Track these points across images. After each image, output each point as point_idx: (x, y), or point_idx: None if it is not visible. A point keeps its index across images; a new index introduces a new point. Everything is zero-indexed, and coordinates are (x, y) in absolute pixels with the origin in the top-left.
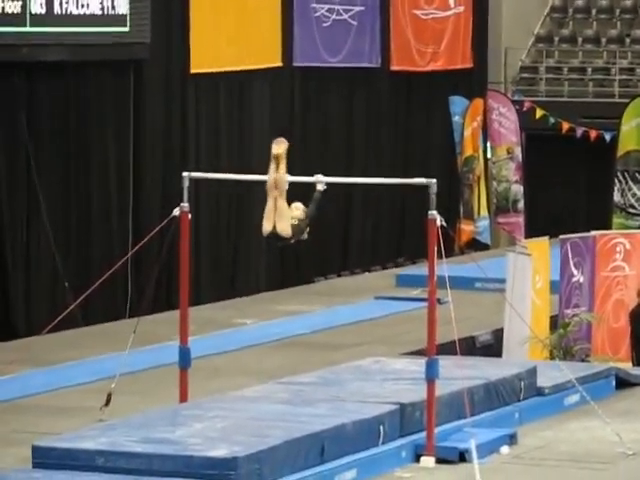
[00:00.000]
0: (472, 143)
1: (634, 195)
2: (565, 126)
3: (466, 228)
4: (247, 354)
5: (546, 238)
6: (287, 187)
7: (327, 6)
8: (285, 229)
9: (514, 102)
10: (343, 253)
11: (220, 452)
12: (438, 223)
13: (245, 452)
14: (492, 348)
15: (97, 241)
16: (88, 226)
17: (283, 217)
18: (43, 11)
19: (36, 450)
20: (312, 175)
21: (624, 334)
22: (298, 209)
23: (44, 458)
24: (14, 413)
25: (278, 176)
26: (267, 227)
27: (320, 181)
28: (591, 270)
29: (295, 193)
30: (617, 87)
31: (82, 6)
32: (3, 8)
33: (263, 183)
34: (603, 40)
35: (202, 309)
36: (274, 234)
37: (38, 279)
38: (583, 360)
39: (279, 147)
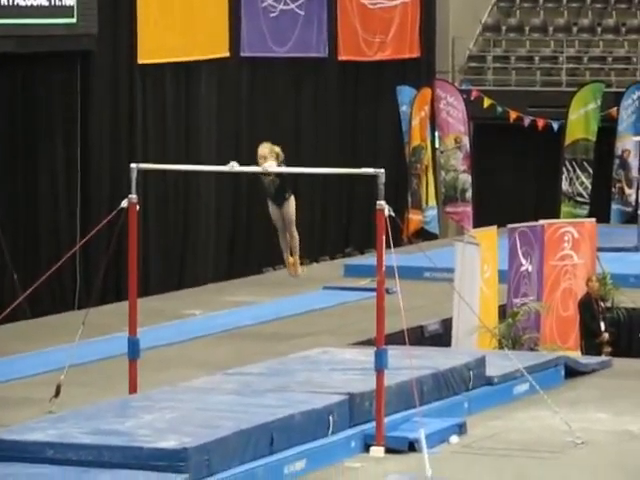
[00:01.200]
0: (420, 133)
1: (582, 184)
2: (513, 115)
3: (414, 218)
4: (196, 345)
5: (494, 227)
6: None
7: None
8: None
9: (462, 91)
10: None
11: (169, 443)
12: (386, 213)
13: (194, 443)
14: (441, 338)
15: (45, 233)
16: (36, 218)
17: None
18: None
19: None
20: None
21: (573, 323)
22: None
23: None
24: None
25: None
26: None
27: (268, 171)
28: (540, 259)
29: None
30: (564, 76)
31: None
32: None
33: (210, 174)
34: (550, 29)
35: (151, 300)
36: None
37: None
38: (532, 349)
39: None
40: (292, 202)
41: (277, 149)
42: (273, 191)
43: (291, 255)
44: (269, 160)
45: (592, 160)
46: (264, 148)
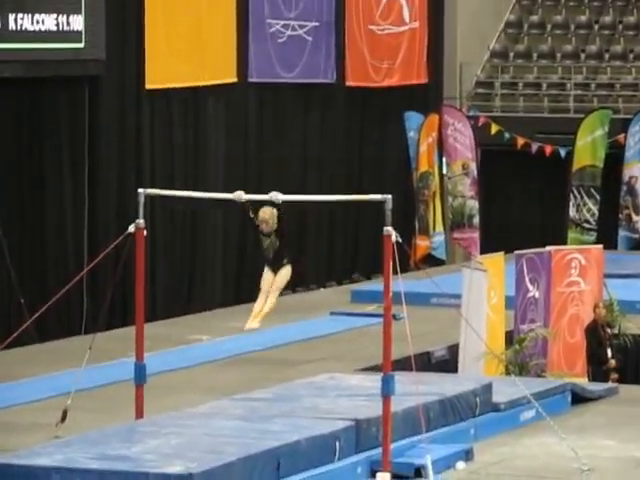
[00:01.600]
0: (427, 159)
1: (589, 210)
2: (520, 141)
3: (421, 244)
4: (202, 370)
5: (501, 254)
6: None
7: (282, 22)
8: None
9: (469, 117)
10: (298, 269)
11: (175, 468)
12: (393, 239)
13: (200, 468)
14: (448, 364)
15: (52, 257)
16: (43, 242)
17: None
18: None
19: None
20: (268, 192)
21: (580, 349)
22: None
23: (0, 475)
24: None
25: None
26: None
27: (277, 199)
28: (547, 285)
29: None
30: (572, 102)
31: (37, 22)
32: None
33: (217, 200)
34: (558, 55)
35: (158, 325)
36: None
37: None
38: (539, 375)
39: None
40: (288, 270)
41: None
42: (271, 254)
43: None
44: (269, 224)
45: (599, 187)
46: (265, 212)
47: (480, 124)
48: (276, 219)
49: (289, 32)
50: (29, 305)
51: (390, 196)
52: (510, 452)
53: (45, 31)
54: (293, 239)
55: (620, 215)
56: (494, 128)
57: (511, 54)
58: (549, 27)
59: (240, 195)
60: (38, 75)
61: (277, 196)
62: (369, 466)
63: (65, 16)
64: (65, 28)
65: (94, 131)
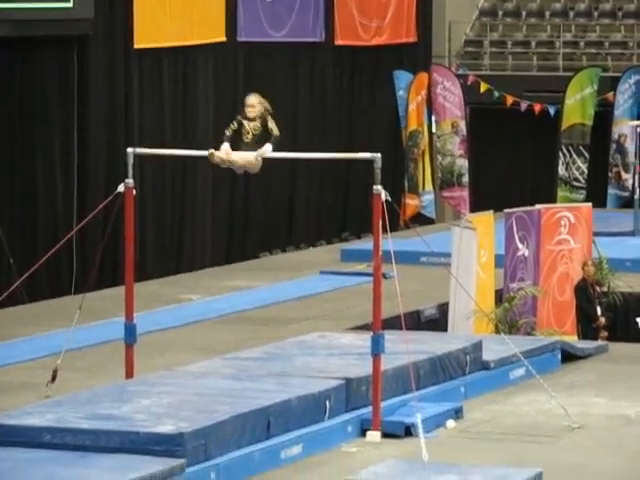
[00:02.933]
0: (417, 117)
1: (578, 168)
2: (509, 100)
3: (411, 202)
4: (193, 330)
5: (491, 212)
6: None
7: None
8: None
9: (458, 76)
10: (288, 228)
11: (166, 428)
12: (383, 198)
13: (191, 428)
14: (438, 322)
15: (42, 217)
16: (32, 202)
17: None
18: None
19: None
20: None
21: (569, 307)
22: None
23: None
24: None
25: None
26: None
27: (265, 156)
28: (536, 244)
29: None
30: (561, 60)
31: None
32: None
33: (206, 158)
34: (547, 13)
35: (148, 285)
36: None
37: None
38: (529, 334)
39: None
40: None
41: (266, 103)
42: (250, 139)
43: None
44: (257, 108)
45: (589, 145)
46: (253, 98)
47: (469, 83)
48: (265, 106)
49: None
50: (18, 265)
51: (379, 154)
52: (500, 410)
53: None
54: (283, 197)
55: (609, 173)
56: (483, 87)
57: (500, 12)
58: None
59: (227, 151)
60: (27, 34)
61: (266, 153)
62: (359, 425)
63: None
64: None
65: (83, 90)
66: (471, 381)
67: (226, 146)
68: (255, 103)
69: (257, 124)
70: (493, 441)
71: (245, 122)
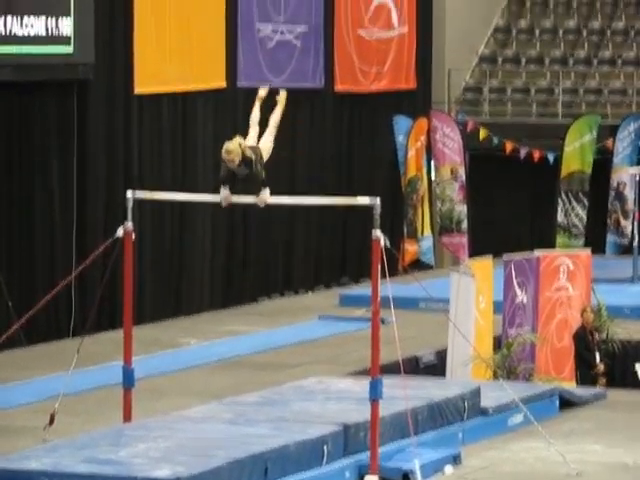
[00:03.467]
0: (416, 163)
1: (577, 215)
2: (509, 146)
3: (410, 248)
4: (191, 374)
5: (489, 258)
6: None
7: (271, 26)
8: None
9: (458, 122)
10: (286, 272)
11: (163, 472)
12: (382, 243)
13: (188, 473)
14: (436, 368)
15: (41, 260)
16: (32, 245)
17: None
18: None
19: None
20: (256, 194)
21: (568, 354)
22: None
23: None
24: None
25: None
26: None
27: (264, 201)
28: (535, 290)
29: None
30: (560, 107)
31: (26, 26)
32: None
33: (206, 204)
34: (546, 60)
35: (146, 328)
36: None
37: None
38: (527, 380)
39: (266, 90)
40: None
41: (245, 145)
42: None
43: None
44: (233, 155)
45: (587, 192)
46: (229, 145)
47: (469, 129)
48: (245, 150)
49: (278, 37)
50: (17, 308)
51: (379, 200)
52: (498, 457)
53: (34, 35)
54: (281, 241)
55: (608, 220)
56: (483, 133)
57: (500, 59)
58: (537, 32)
59: (227, 197)
60: (27, 79)
61: (264, 198)
62: (357, 470)
63: (54, 20)
64: (54, 32)
65: (83, 135)
66: (469, 427)
67: (226, 192)
68: (231, 150)
69: (243, 169)
70: None
71: (231, 168)
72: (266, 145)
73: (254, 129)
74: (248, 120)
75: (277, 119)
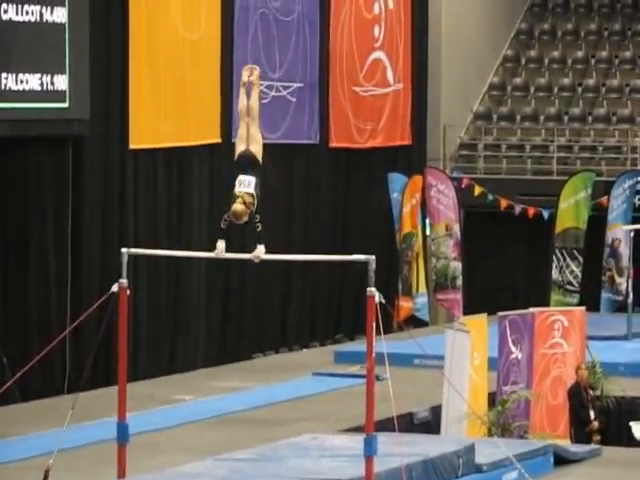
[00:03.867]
0: (411, 220)
1: (572, 272)
2: (503, 203)
3: (405, 304)
4: (186, 430)
5: (484, 315)
6: (258, 113)
7: (266, 83)
8: (258, 152)
9: (452, 179)
10: (281, 329)
11: None
12: (377, 300)
13: None
14: (430, 425)
15: (35, 316)
16: (26, 301)
17: (255, 141)
18: None
19: None
20: (251, 250)
21: (562, 411)
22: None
23: None
24: None
25: (250, 102)
26: (240, 148)
27: (259, 258)
28: (529, 347)
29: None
30: (555, 164)
31: (21, 82)
32: None
33: (201, 260)
34: (541, 117)
35: (141, 385)
36: (248, 155)
37: None
38: (521, 437)
39: (250, 73)
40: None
41: (249, 197)
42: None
43: None
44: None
45: (582, 249)
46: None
47: (463, 186)
48: (249, 206)
49: (273, 93)
50: (11, 364)
51: (373, 257)
52: None
53: (30, 91)
54: (277, 297)
55: (603, 277)
56: (477, 190)
57: (494, 116)
58: (532, 89)
59: (221, 251)
60: (22, 134)
61: (259, 255)
62: None
63: (49, 76)
64: (49, 88)
65: (78, 190)
66: None
67: (222, 246)
68: (240, 213)
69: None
70: None
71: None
72: (256, 137)
73: (243, 121)
74: None
75: (256, 107)
